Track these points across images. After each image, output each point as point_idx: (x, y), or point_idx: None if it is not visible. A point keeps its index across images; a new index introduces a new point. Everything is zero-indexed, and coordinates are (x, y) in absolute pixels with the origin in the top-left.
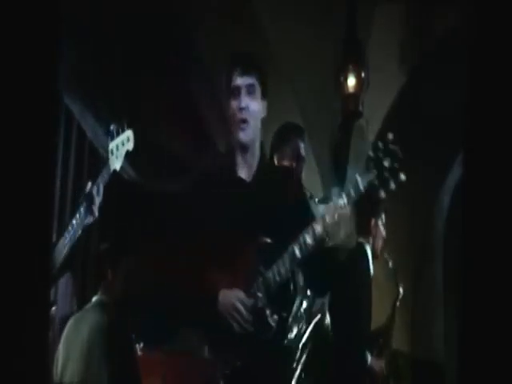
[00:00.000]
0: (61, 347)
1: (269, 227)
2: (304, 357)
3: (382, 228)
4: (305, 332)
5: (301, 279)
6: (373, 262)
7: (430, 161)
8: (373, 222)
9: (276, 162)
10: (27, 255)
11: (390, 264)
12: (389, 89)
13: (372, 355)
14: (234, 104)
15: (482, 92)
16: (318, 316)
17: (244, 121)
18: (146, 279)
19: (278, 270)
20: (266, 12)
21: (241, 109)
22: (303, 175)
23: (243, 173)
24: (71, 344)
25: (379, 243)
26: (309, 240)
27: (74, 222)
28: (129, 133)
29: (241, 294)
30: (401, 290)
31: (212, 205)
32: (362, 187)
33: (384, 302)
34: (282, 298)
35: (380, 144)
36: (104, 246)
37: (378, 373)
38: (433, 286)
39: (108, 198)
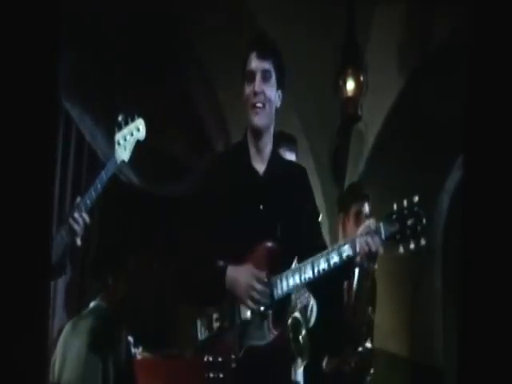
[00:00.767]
0: (58, 351)
1: (278, 224)
2: None
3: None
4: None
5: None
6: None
7: (429, 164)
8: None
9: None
10: (27, 255)
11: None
12: (388, 92)
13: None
14: (248, 88)
15: (482, 94)
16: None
17: (259, 105)
18: (147, 283)
19: (287, 280)
20: (265, 16)
21: (255, 93)
22: None
23: (256, 163)
24: (68, 349)
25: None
26: (335, 258)
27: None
28: (139, 122)
29: (254, 271)
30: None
31: (227, 198)
32: (383, 236)
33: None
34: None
35: (405, 202)
36: (104, 251)
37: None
38: (432, 290)
39: (108, 202)
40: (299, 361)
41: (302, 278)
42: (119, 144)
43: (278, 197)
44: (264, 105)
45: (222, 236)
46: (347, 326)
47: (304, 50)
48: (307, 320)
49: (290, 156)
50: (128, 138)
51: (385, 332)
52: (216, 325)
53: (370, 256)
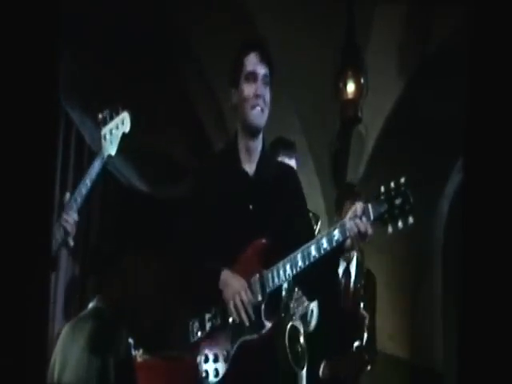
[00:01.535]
0: (57, 353)
1: (269, 224)
2: None
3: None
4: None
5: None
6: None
7: (429, 167)
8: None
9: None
10: (27, 255)
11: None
12: (388, 94)
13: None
14: (249, 89)
15: (482, 96)
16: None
17: (258, 107)
18: (144, 283)
19: (278, 272)
20: (264, 17)
21: (257, 95)
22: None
23: (246, 165)
24: (68, 351)
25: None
26: (325, 244)
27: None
28: (124, 115)
29: (245, 283)
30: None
31: (217, 199)
32: (372, 217)
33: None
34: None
35: (392, 184)
36: (101, 252)
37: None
38: (432, 292)
39: (106, 203)
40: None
41: (294, 268)
42: (105, 139)
43: (268, 197)
44: (263, 109)
45: (215, 236)
46: (344, 327)
47: (304, 52)
48: (307, 327)
49: (290, 162)
50: (114, 131)
51: (385, 334)
52: (208, 325)
53: (360, 237)
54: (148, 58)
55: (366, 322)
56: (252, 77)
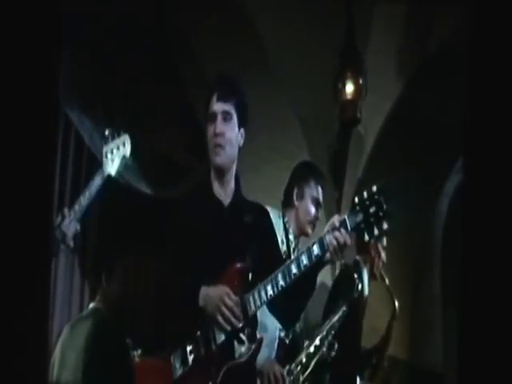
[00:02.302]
0: (56, 355)
1: (245, 250)
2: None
3: (381, 250)
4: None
5: None
6: (369, 283)
7: (428, 166)
8: (372, 242)
9: (294, 199)
10: (26, 256)
11: (387, 281)
12: (387, 95)
13: (363, 378)
14: (210, 129)
15: (482, 97)
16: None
17: (219, 146)
18: (144, 284)
19: (259, 293)
20: (264, 18)
21: (216, 134)
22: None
23: (220, 197)
24: (67, 352)
25: (378, 264)
26: (305, 260)
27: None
28: (125, 137)
29: (226, 289)
30: (397, 307)
31: (192, 228)
32: (349, 227)
33: (379, 323)
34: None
35: (365, 193)
36: (100, 252)
37: None
38: (432, 294)
39: (105, 204)
40: None
41: (275, 288)
42: (107, 157)
43: (243, 228)
44: (223, 146)
45: (193, 264)
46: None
47: (303, 53)
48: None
49: (319, 192)
50: (115, 151)
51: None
52: (191, 357)
53: (340, 249)
54: (148, 59)
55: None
56: (212, 117)
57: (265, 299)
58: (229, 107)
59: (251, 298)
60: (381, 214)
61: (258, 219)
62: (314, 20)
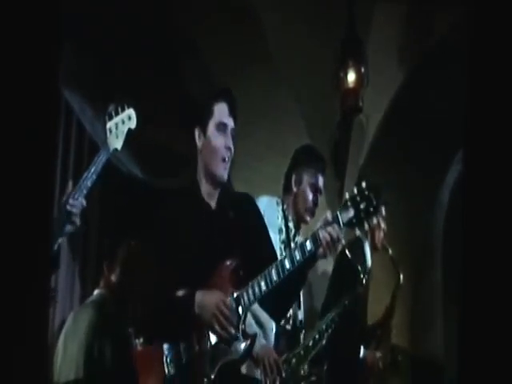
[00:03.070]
0: (60, 343)
1: (234, 249)
2: None
3: (381, 220)
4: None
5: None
6: (371, 255)
7: (429, 157)
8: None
9: (293, 185)
10: (27, 249)
11: (390, 252)
12: (389, 85)
13: (368, 348)
14: (219, 140)
15: (482, 88)
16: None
17: (227, 160)
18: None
19: (253, 289)
20: (266, 8)
21: (228, 148)
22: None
23: (209, 200)
24: (69, 340)
25: (379, 236)
26: (298, 256)
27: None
28: (130, 111)
29: (221, 296)
30: (401, 277)
31: (180, 229)
32: (341, 223)
33: (383, 294)
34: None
35: (355, 190)
36: (102, 239)
37: (371, 365)
38: (433, 283)
39: (107, 192)
40: None
41: (269, 283)
42: (111, 132)
43: (232, 225)
44: (230, 160)
45: (183, 264)
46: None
47: (305, 42)
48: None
49: (319, 179)
50: (120, 126)
51: None
52: (185, 355)
53: (333, 245)
54: (149, 49)
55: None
56: (222, 128)
57: (258, 294)
58: (234, 123)
59: (245, 294)
60: (371, 209)
61: (246, 212)
62: (316, 8)
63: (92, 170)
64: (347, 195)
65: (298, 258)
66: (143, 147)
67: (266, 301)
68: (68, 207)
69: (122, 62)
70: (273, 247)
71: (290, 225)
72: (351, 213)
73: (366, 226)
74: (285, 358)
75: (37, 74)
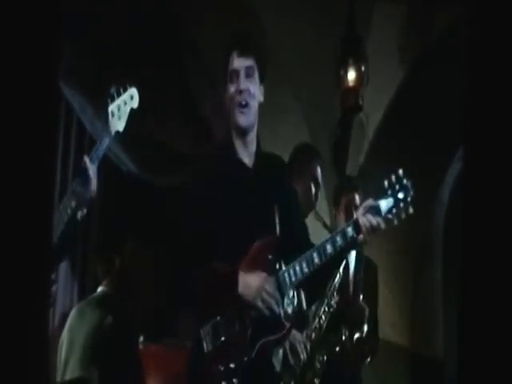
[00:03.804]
0: (64, 337)
1: (272, 218)
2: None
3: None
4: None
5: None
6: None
7: (429, 155)
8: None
9: (293, 179)
10: (27, 246)
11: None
12: (389, 84)
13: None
14: (232, 87)
15: (482, 86)
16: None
17: (244, 104)
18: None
19: (295, 270)
20: (265, 9)
21: (241, 91)
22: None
23: (244, 158)
24: (74, 338)
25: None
26: (340, 241)
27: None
28: (132, 91)
29: (263, 274)
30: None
31: (216, 192)
32: (383, 212)
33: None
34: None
35: (393, 177)
36: (105, 236)
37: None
38: (433, 282)
39: (108, 188)
40: None
41: (310, 265)
42: (113, 115)
43: (268, 190)
44: (248, 103)
45: (219, 232)
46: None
47: (305, 40)
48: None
49: (317, 171)
50: (122, 107)
51: (386, 322)
52: (223, 331)
53: (373, 231)
54: (149, 46)
55: (366, 313)
56: (234, 74)
57: (300, 276)
58: (251, 62)
59: (286, 275)
60: (409, 199)
61: (280, 173)
62: (316, 7)
63: (94, 155)
64: (386, 183)
65: (339, 243)
66: (142, 145)
67: (301, 282)
68: (76, 195)
69: (122, 60)
70: (304, 220)
71: None
72: (391, 202)
73: (403, 216)
74: (305, 335)
75: (37, 72)
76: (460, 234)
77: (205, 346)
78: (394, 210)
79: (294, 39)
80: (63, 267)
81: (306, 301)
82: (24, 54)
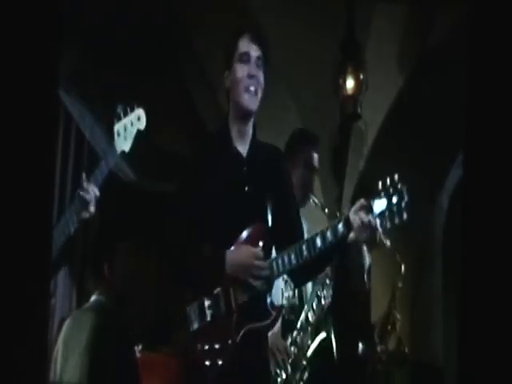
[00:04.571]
0: (59, 348)
1: (265, 207)
2: (306, 374)
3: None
4: (309, 347)
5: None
6: (370, 253)
7: (429, 162)
8: None
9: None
10: (27, 253)
11: (388, 244)
12: (388, 90)
13: (369, 344)
14: (242, 69)
15: (481, 92)
16: (324, 335)
17: (252, 89)
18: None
19: (283, 260)
20: (264, 14)
21: (251, 76)
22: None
23: (239, 146)
24: (70, 346)
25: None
26: (330, 237)
27: (67, 213)
28: (139, 111)
29: (252, 249)
30: (403, 267)
31: (208, 180)
32: (375, 213)
33: (385, 290)
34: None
35: (388, 181)
36: (99, 244)
37: (373, 360)
38: (432, 287)
39: (106, 196)
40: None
41: (299, 258)
42: (119, 135)
43: (262, 178)
44: (256, 90)
45: (211, 219)
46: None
47: (304, 48)
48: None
49: (312, 155)
50: (128, 127)
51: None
52: (209, 312)
53: (365, 230)
54: (148, 54)
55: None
56: (245, 58)
57: (288, 267)
58: (260, 53)
59: (274, 264)
60: (403, 204)
61: (275, 162)
62: (315, 14)
63: (98, 174)
64: (380, 185)
65: (329, 238)
66: (141, 150)
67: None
68: (81, 193)
69: (122, 66)
70: (297, 210)
71: None
72: (384, 204)
73: (396, 221)
74: (290, 341)
75: (36, 79)
76: (460, 240)
77: (191, 325)
78: (387, 213)
79: (292, 43)
80: (61, 275)
81: (293, 293)
82: (23, 61)
